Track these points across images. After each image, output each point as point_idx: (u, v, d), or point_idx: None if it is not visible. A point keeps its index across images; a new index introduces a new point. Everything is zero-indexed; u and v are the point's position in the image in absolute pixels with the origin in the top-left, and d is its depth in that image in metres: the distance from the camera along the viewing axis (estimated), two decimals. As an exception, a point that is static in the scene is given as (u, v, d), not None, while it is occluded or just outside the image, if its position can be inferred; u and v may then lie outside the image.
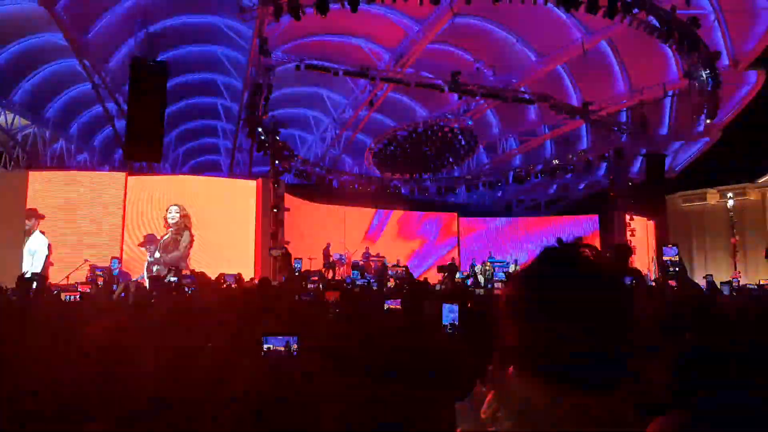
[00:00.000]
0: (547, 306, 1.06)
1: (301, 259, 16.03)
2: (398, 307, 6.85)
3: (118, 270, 14.89)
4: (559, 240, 1.15)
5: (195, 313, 4.50)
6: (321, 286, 7.05)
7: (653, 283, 12.11)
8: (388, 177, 22.17)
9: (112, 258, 15.42)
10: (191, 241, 16.75)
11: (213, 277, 9.99)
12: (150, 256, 16.34)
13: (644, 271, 16.34)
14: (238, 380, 2.42)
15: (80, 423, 1.96)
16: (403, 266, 17.48)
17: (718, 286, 10.32)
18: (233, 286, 8.59)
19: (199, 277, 8.98)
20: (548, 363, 1.04)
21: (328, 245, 19.12)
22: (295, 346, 2.17)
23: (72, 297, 4.37)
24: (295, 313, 4.57)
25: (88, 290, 6.17)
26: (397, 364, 3.24)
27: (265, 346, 2.21)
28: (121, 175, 17.03)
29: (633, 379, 1.08)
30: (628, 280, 4.93)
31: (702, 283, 10.54)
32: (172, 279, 10.10)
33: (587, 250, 1.12)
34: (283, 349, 2.18)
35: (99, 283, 11.50)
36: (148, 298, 5.87)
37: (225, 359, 2.74)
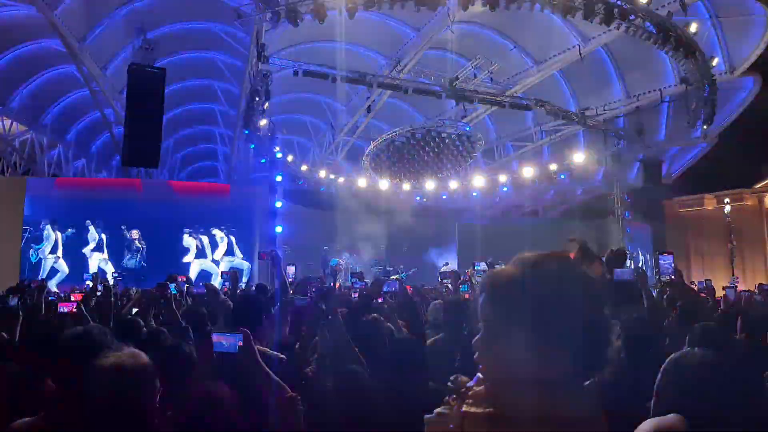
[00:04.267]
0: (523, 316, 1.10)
1: (294, 264, 15.95)
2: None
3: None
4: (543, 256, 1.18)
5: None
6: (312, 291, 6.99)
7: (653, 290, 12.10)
8: (385, 183, 22.16)
9: None
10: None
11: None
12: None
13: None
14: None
15: None
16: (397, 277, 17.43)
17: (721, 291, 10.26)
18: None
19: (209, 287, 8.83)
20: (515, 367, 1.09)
21: (326, 251, 19.10)
22: (240, 344, 2.20)
23: (66, 309, 4.13)
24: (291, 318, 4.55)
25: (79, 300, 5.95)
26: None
27: (215, 344, 2.23)
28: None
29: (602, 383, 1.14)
30: (628, 275, 4.92)
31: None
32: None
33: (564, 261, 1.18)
34: (232, 345, 2.21)
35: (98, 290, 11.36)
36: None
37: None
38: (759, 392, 2.28)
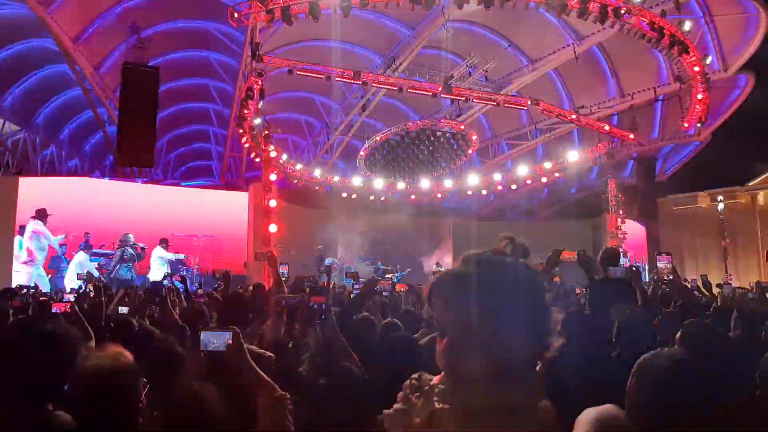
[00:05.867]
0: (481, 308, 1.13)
1: (287, 264, 15.89)
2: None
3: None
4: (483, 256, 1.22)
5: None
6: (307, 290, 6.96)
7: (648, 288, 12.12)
8: (380, 181, 22.13)
9: None
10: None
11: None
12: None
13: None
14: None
15: None
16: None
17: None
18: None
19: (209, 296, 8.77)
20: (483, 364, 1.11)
21: (321, 250, 19.07)
22: (229, 342, 2.18)
23: (58, 310, 4.06)
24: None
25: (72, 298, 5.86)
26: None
27: (203, 342, 2.21)
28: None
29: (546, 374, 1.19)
30: (621, 274, 4.97)
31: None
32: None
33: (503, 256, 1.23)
34: (220, 343, 2.19)
35: (90, 289, 11.29)
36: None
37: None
38: (735, 390, 2.28)
